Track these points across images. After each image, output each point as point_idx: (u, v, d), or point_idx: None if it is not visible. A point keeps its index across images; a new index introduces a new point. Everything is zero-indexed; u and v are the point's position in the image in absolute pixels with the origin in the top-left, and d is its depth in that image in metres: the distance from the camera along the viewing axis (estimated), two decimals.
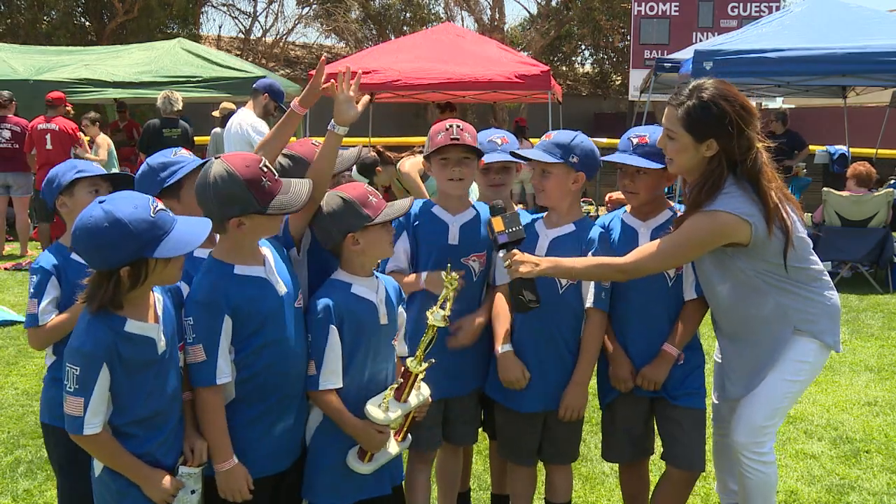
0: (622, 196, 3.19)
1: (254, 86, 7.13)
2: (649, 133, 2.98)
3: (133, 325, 2.19)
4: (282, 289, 2.47)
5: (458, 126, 3.00)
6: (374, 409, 2.52)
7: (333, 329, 2.52)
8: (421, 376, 2.60)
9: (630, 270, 2.82)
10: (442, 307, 2.57)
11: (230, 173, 2.32)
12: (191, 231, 2.20)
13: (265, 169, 2.39)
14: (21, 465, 4.12)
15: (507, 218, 2.82)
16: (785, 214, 2.78)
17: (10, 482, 3.94)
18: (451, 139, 2.95)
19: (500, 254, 2.84)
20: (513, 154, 3.15)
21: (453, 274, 2.61)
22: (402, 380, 2.58)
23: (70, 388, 2.13)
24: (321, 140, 2.70)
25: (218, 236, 2.46)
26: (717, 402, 3.21)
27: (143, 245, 2.09)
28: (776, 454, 4.23)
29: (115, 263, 2.10)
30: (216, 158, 2.39)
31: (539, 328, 3.00)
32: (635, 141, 3.00)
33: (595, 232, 3.01)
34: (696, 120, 2.74)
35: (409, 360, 2.57)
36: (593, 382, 3.21)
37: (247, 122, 6.76)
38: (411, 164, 5.58)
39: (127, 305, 2.18)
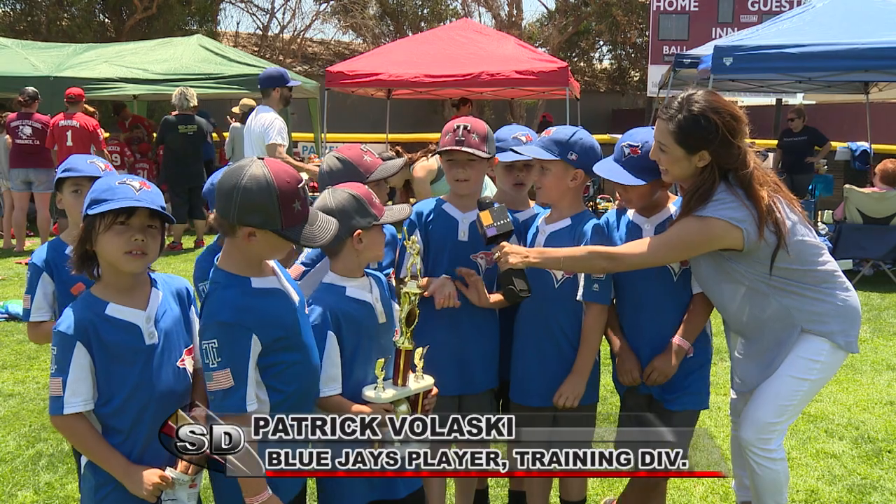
0: None
1: (259, 87, 7.17)
2: (642, 143, 2.92)
3: (115, 308, 2.22)
4: (295, 298, 2.37)
5: (466, 127, 2.96)
6: (369, 390, 2.48)
7: (331, 335, 2.47)
8: (419, 360, 2.53)
9: (617, 258, 2.83)
10: (413, 277, 2.52)
11: (268, 180, 2.17)
12: (129, 202, 2.17)
13: (302, 193, 2.24)
14: (42, 458, 4.16)
15: (495, 211, 2.83)
16: (779, 216, 2.78)
17: (32, 475, 3.99)
18: (457, 141, 2.94)
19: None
20: (512, 151, 3.12)
21: (413, 237, 2.65)
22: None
23: (52, 369, 2.19)
24: (371, 142, 2.85)
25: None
26: (734, 396, 3.19)
27: (91, 202, 2.20)
28: (796, 453, 4.23)
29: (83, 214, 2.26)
30: (259, 159, 2.23)
31: (537, 323, 3.01)
32: (627, 151, 2.95)
33: (589, 226, 2.99)
34: (688, 133, 2.75)
35: (395, 340, 2.53)
36: (608, 379, 3.20)
37: (267, 122, 6.80)
38: (421, 168, 5.56)
39: (111, 290, 2.24)
